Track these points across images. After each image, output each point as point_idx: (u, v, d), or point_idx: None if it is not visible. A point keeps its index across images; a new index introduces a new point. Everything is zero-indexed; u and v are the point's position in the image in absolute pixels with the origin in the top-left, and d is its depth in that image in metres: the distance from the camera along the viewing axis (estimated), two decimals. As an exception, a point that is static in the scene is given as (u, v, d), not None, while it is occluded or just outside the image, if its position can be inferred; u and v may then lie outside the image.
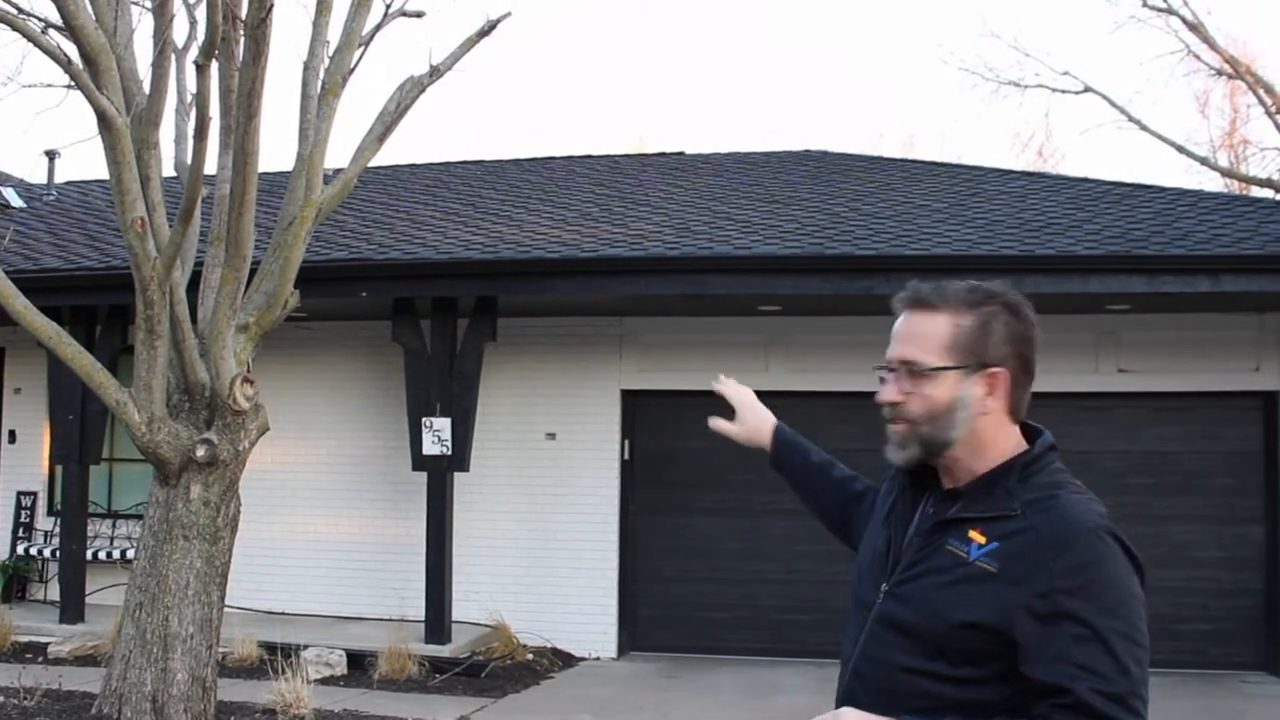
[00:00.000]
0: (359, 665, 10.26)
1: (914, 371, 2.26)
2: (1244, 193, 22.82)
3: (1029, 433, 2.32)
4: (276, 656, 9.23)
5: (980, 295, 2.28)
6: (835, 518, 2.89)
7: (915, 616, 2.19)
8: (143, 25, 8.62)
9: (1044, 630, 2.06)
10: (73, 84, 7.58)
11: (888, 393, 2.30)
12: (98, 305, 11.62)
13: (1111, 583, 2.08)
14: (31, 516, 13.14)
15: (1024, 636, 2.07)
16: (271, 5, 7.13)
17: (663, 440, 11.84)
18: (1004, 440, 2.26)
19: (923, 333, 2.27)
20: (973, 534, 2.18)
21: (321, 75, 8.63)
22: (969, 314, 2.26)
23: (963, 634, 2.12)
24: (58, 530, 12.37)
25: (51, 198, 15.39)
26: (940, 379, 2.24)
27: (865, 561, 2.42)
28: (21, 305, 7.74)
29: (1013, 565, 2.11)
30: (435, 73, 9.05)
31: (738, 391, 3.08)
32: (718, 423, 3.07)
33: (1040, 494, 2.18)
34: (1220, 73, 24.07)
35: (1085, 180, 12.81)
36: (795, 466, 2.96)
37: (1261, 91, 23.21)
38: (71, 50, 7.62)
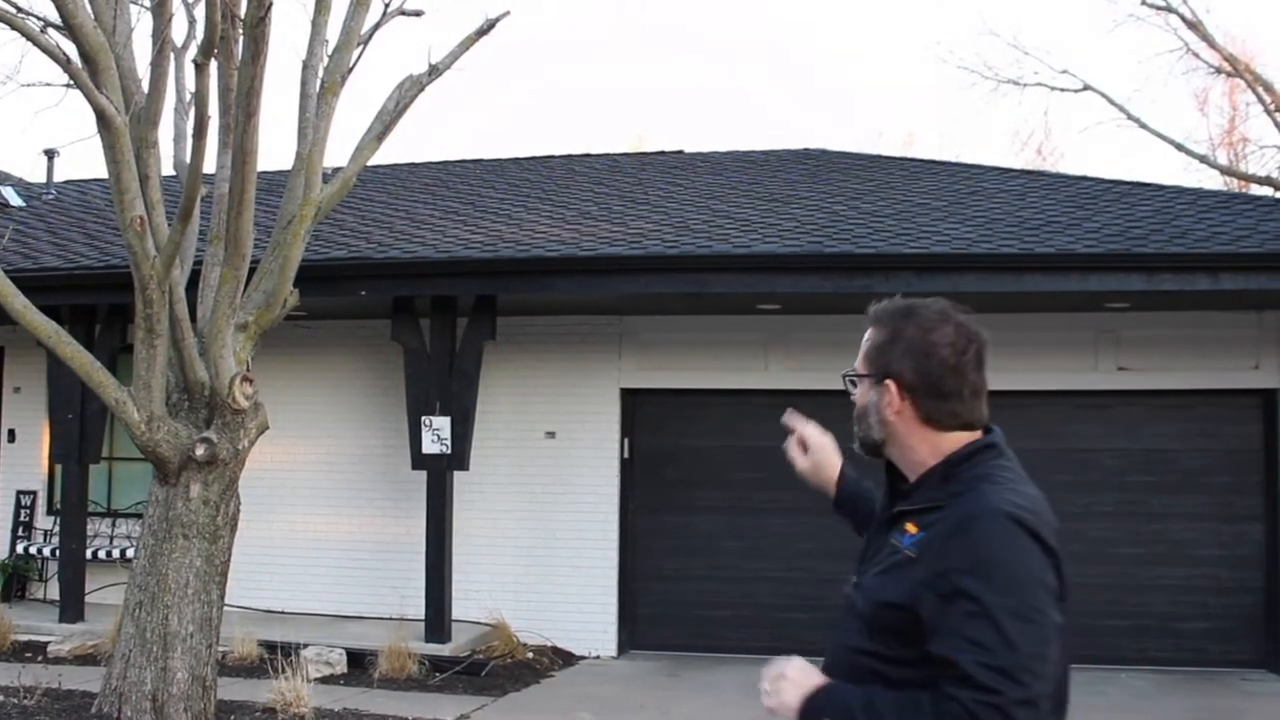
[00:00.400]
0: (359, 664, 10.26)
1: (848, 378, 2.61)
2: (1243, 191, 22.82)
3: (986, 430, 2.52)
4: (276, 655, 9.23)
5: (899, 313, 2.52)
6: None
7: (861, 602, 2.43)
8: (141, 24, 8.63)
9: (942, 608, 2.22)
10: (72, 83, 7.58)
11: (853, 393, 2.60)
12: (97, 304, 11.61)
13: (1004, 563, 2.22)
14: (31, 515, 13.13)
15: (927, 614, 2.24)
16: (270, 4, 7.13)
17: (662, 439, 11.84)
18: (925, 443, 2.47)
19: (861, 344, 2.57)
20: (908, 525, 2.40)
21: (320, 74, 8.63)
22: (883, 330, 2.52)
23: (886, 614, 2.33)
24: (57, 529, 12.36)
25: (51, 196, 15.38)
26: (861, 385, 2.55)
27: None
28: (21, 304, 7.75)
29: (926, 549, 2.31)
30: (434, 71, 9.05)
31: (818, 436, 3.08)
32: (793, 448, 3.09)
33: (964, 487, 2.36)
34: (1219, 71, 24.08)
35: (1084, 178, 12.81)
36: (857, 513, 3.03)
37: (1260, 89, 23.22)
38: (70, 49, 7.63)
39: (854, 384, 2.59)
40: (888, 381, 2.48)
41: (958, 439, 2.47)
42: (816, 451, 3.06)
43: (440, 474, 10.90)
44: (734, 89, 50.86)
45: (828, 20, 49.63)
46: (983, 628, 2.16)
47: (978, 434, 2.50)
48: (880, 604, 2.35)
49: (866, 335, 2.56)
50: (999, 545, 2.24)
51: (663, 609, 11.67)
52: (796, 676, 2.40)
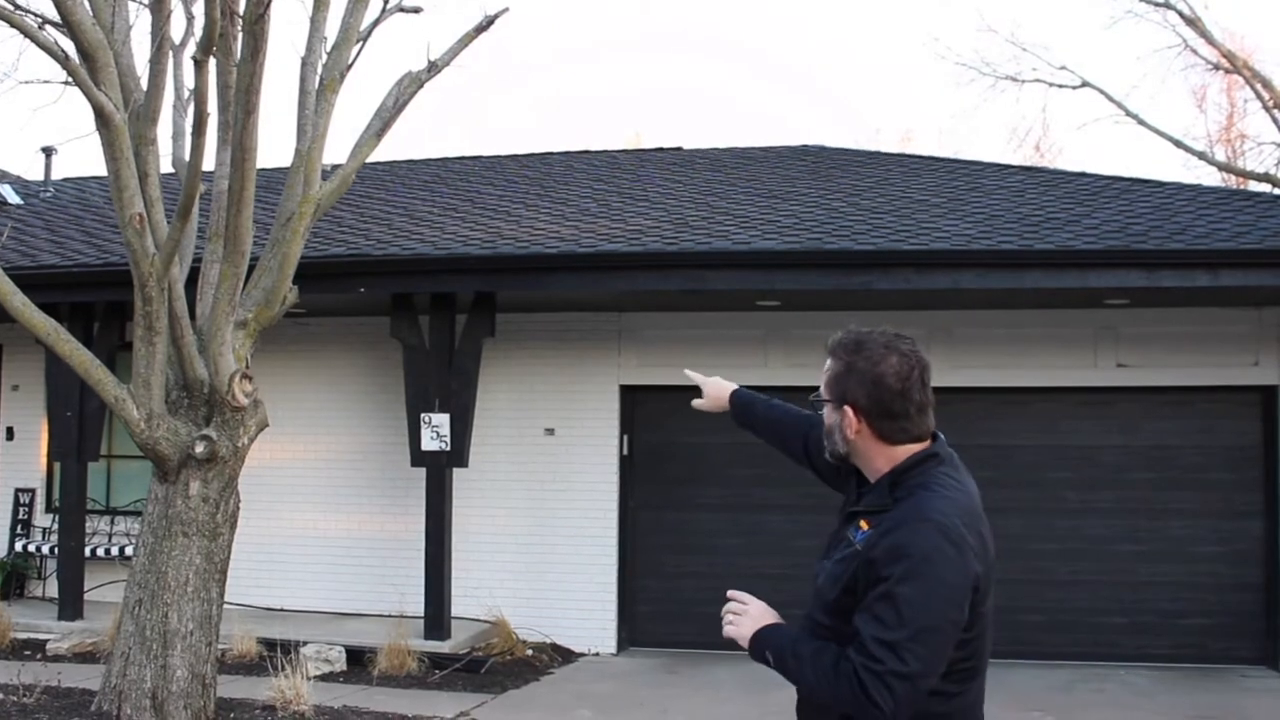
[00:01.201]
0: (358, 661, 10.26)
1: (815, 401, 3.01)
2: (1242, 187, 22.81)
3: (933, 438, 2.92)
4: (276, 653, 9.23)
5: (850, 347, 2.91)
6: (800, 451, 3.48)
7: (822, 584, 2.88)
8: (140, 21, 8.62)
9: (865, 588, 2.69)
10: (70, 80, 7.57)
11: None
12: (95, 302, 11.60)
13: (919, 560, 2.64)
14: (30, 513, 13.13)
15: (860, 591, 2.71)
16: (269, 1, 7.11)
17: (662, 435, 11.84)
18: (881, 455, 2.88)
19: (824, 372, 2.96)
20: (862, 523, 2.84)
21: (319, 71, 8.62)
22: (839, 361, 2.92)
23: (837, 596, 2.79)
24: (56, 527, 12.35)
25: (49, 194, 15.37)
26: (826, 408, 2.96)
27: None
28: (19, 302, 7.73)
29: (867, 544, 2.75)
30: (433, 68, 9.04)
31: (700, 375, 3.88)
32: (696, 401, 3.82)
33: (906, 493, 2.79)
34: (1218, 67, 24.07)
35: (1084, 175, 12.81)
36: (754, 418, 3.66)
37: (1259, 86, 23.20)
38: (69, 46, 7.61)
39: (820, 406, 3.00)
40: (845, 407, 2.89)
41: (907, 450, 2.86)
42: (705, 385, 3.79)
43: (439, 471, 10.89)
44: (730, 89, 50.90)
45: (823, 18, 49.62)
46: (885, 608, 2.62)
47: (926, 444, 2.89)
48: (833, 588, 2.81)
49: (826, 365, 2.95)
50: (916, 545, 2.66)
51: (662, 606, 11.67)
52: (756, 614, 2.93)
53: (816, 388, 3.00)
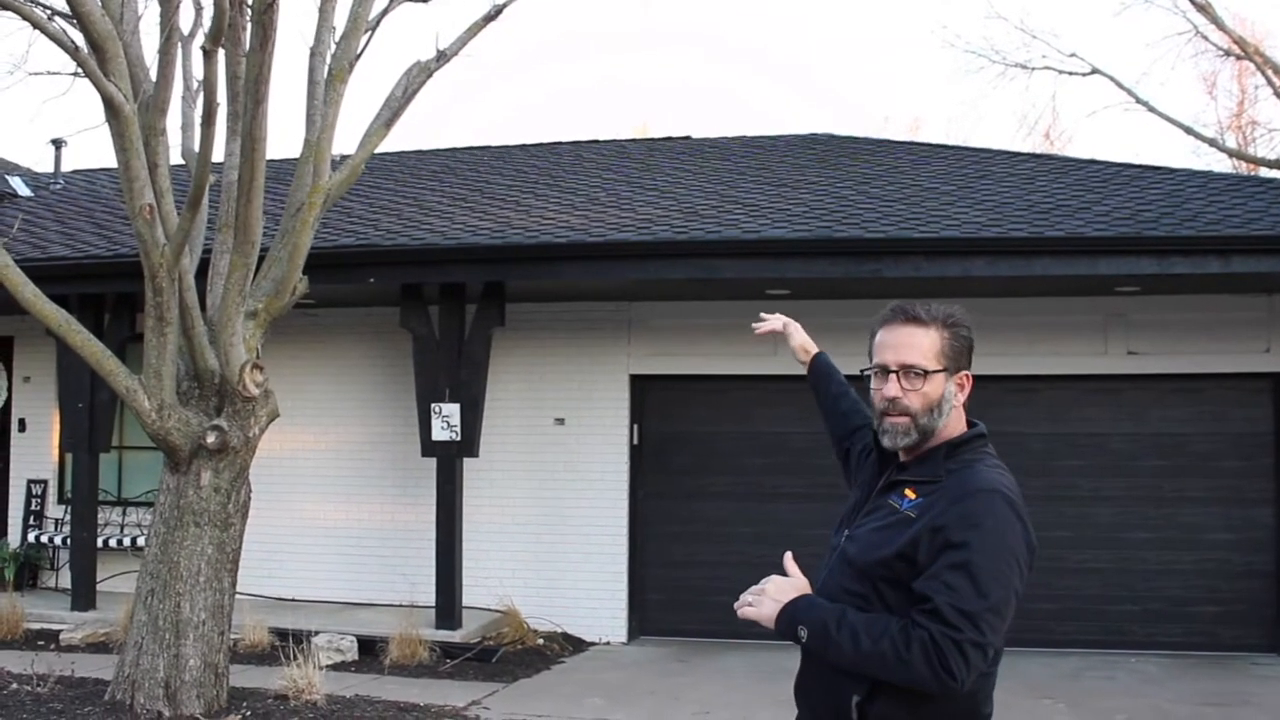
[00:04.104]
0: (370, 651, 10.28)
1: (914, 373, 2.87)
2: (1254, 174, 22.72)
3: (970, 424, 2.97)
4: (288, 642, 9.26)
5: (954, 316, 2.93)
6: (840, 441, 3.57)
7: (857, 551, 2.86)
8: (149, 12, 8.63)
9: (931, 555, 2.67)
10: (79, 71, 7.59)
11: (892, 389, 2.89)
12: (106, 293, 11.63)
13: (991, 530, 2.66)
14: (42, 504, 13.18)
15: (922, 560, 2.68)
16: (278, -9, 7.12)
17: (672, 425, 11.84)
18: (958, 426, 2.92)
19: (918, 344, 2.89)
20: (907, 491, 2.84)
21: (328, 61, 8.62)
22: (949, 330, 2.91)
23: (883, 562, 2.76)
24: (68, 518, 12.40)
25: (59, 186, 15.39)
26: (934, 379, 2.87)
27: (841, 516, 3.07)
28: (30, 293, 7.76)
29: (924, 510, 2.75)
30: (442, 57, 9.03)
31: (785, 321, 4.06)
32: (787, 332, 4.03)
33: (961, 465, 2.83)
34: (1228, 54, 23.93)
35: (1094, 162, 12.76)
36: (826, 388, 3.74)
37: (1270, 72, 23.07)
38: (78, 37, 7.63)
39: (909, 377, 2.88)
40: (965, 374, 2.93)
41: (964, 425, 2.94)
42: (797, 335, 3.97)
43: (450, 461, 10.91)
44: (732, 87, 50.70)
45: (826, 12, 49.47)
46: (960, 577, 2.61)
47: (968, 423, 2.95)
48: (880, 554, 2.78)
49: (921, 333, 2.89)
50: (989, 515, 2.68)
51: (673, 595, 11.68)
52: (775, 590, 2.83)
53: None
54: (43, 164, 16.80)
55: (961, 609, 2.58)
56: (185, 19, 8.93)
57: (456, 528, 10.89)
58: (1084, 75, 24.27)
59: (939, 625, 2.58)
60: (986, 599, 2.59)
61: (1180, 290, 10.66)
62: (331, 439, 12.45)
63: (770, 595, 2.83)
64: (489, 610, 11.33)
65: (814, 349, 3.92)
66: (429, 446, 10.94)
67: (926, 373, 2.86)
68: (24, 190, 15.07)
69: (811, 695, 2.92)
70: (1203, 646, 10.70)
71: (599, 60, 53.29)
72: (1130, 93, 23.76)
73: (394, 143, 16.30)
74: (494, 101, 50.33)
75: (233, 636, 8.76)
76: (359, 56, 8.66)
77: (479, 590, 11.37)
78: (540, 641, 11.03)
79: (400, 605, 11.26)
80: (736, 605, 2.88)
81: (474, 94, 51.51)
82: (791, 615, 2.78)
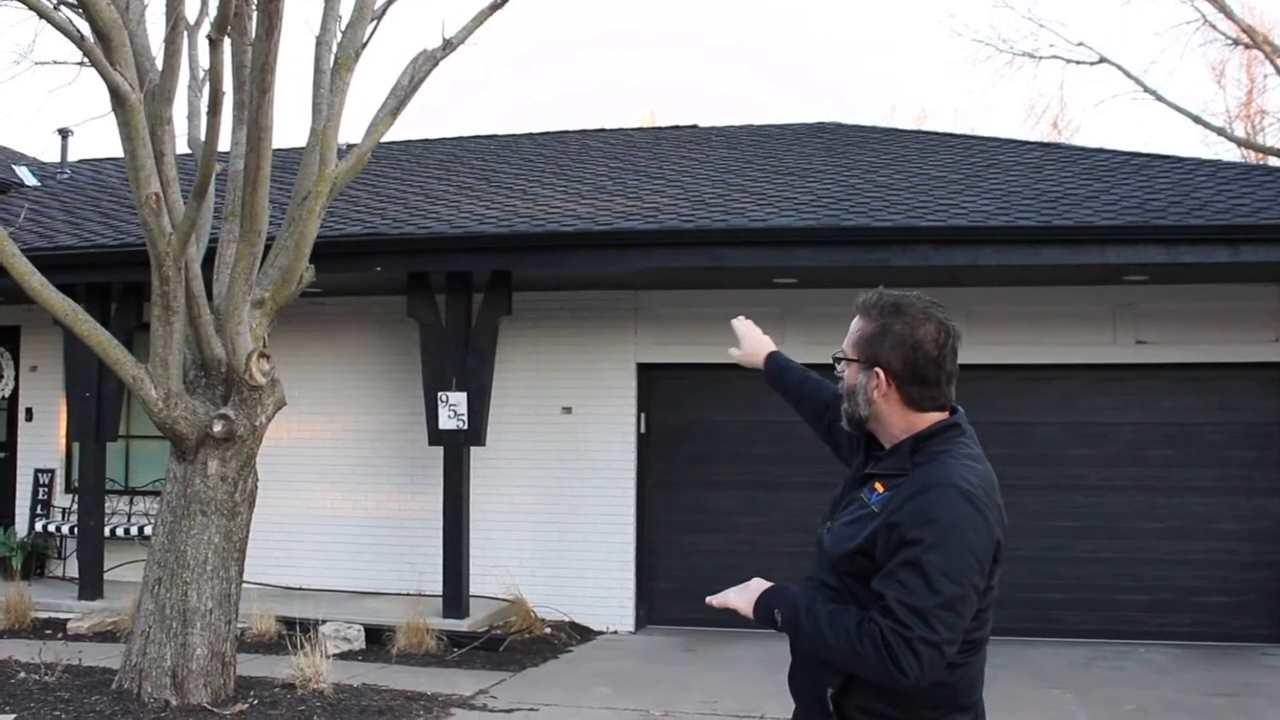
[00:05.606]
0: (377, 640, 10.29)
1: (837, 357, 2.99)
2: (1263, 163, 22.64)
3: (951, 410, 2.92)
4: (295, 631, 9.27)
5: (888, 308, 2.89)
6: (819, 424, 3.51)
7: (830, 544, 2.88)
8: (155, 0, 8.60)
9: (887, 552, 2.67)
10: (85, 61, 7.58)
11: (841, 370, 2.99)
12: (112, 282, 11.64)
13: (946, 526, 2.64)
14: (49, 494, 13.20)
15: (879, 557, 2.69)
16: (284, -21, 7.09)
17: (679, 414, 11.83)
18: (903, 421, 2.87)
19: (850, 331, 2.96)
20: (877, 485, 2.84)
21: (334, 50, 8.61)
22: (872, 321, 2.90)
23: (849, 556, 2.78)
24: (75, 507, 12.42)
25: (65, 176, 15.40)
26: (850, 367, 2.94)
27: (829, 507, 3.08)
28: (37, 282, 7.76)
29: (886, 506, 2.74)
30: (448, 46, 9.01)
31: (742, 323, 3.85)
32: (733, 350, 3.83)
33: (928, 459, 2.79)
34: (1237, 42, 23.85)
35: (1102, 150, 12.71)
36: (786, 383, 3.66)
37: (1278, 61, 23.00)
38: (84, 26, 7.61)
39: (843, 365, 2.97)
40: (876, 369, 2.87)
41: (930, 418, 2.86)
42: (744, 338, 3.80)
43: (457, 450, 10.90)
44: (734, 85, 50.54)
45: (827, 8, 49.28)
46: (912, 575, 2.61)
47: (946, 414, 2.89)
48: (845, 548, 2.80)
49: (855, 324, 2.94)
50: (945, 511, 2.65)
51: (680, 584, 11.67)
52: (755, 585, 2.91)
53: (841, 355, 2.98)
54: (49, 154, 16.76)
55: (912, 606, 2.59)
56: (191, 8, 8.94)
57: (464, 517, 10.89)
58: (1092, 64, 24.21)
59: (889, 622, 2.60)
60: (939, 595, 2.59)
61: (1189, 279, 10.63)
62: (338, 428, 12.45)
63: (751, 588, 2.92)
64: (496, 599, 11.34)
65: (765, 349, 3.76)
66: (436, 435, 10.94)
67: (844, 360, 2.96)
68: (31, 180, 15.08)
69: (798, 686, 2.97)
70: (1212, 637, 10.68)
71: (599, 60, 53.22)
72: (1138, 82, 23.69)
73: (400, 132, 16.25)
74: (495, 101, 50.31)
75: (240, 625, 8.77)
76: (365, 45, 8.65)
77: (486, 579, 11.37)
78: (548, 630, 11.04)
79: (407, 594, 11.28)
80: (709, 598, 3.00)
81: (475, 93, 51.49)
82: (768, 600, 2.87)
